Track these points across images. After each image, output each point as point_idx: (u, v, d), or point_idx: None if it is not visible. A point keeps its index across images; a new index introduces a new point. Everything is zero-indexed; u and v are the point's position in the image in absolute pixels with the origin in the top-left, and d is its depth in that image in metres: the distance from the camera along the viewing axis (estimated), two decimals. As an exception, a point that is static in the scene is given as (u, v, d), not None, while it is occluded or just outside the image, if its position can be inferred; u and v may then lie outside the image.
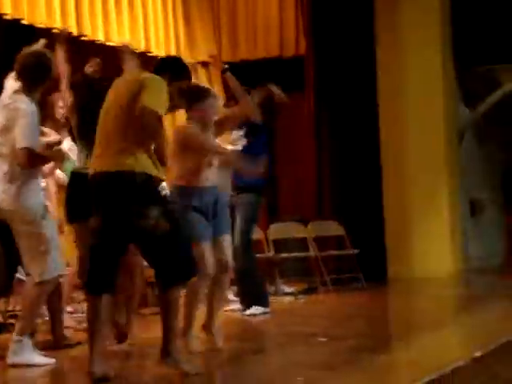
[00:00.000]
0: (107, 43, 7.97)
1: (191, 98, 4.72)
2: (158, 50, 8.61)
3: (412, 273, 9.37)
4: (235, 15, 9.92)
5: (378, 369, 4.00)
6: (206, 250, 4.69)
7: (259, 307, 6.45)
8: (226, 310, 6.51)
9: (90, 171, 4.03)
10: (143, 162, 3.88)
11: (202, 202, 4.73)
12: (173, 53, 8.58)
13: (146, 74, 4.09)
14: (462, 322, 5.83)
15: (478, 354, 3.96)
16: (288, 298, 7.91)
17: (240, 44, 9.74)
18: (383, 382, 3.65)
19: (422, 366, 3.92)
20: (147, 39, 8.55)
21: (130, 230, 3.89)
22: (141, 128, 3.87)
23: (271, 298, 6.96)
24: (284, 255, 8.62)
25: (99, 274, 3.94)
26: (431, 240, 9.53)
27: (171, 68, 4.20)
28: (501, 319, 5.77)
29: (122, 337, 4.96)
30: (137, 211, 3.83)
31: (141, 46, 8.32)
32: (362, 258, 8.74)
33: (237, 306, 6.77)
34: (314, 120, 9.83)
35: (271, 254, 8.51)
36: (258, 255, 7.33)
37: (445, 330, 5.38)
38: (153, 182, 3.91)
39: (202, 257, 4.61)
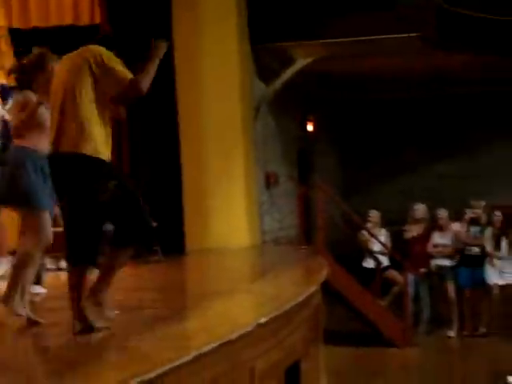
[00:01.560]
0: None
1: None
2: None
3: (210, 245, 9.51)
4: (25, -20, 9.50)
5: (172, 337, 4.04)
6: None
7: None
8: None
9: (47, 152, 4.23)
10: (96, 141, 4.08)
11: None
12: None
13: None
14: (254, 291, 6.01)
15: (263, 320, 4.10)
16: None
17: (31, 11, 9.36)
18: (176, 348, 3.69)
19: (214, 332, 4.00)
20: None
21: (94, 205, 4.08)
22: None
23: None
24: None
25: (77, 248, 4.12)
26: (228, 212, 9.72)
27: None
28: (290, 286, 6.01)
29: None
30: (98, 188, 4.06)
31: None
32: (161, 231, 8.74)
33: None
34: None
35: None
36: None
37: (237, 298, 5.52)
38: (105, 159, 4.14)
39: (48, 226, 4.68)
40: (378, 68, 12.74)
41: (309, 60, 10.72)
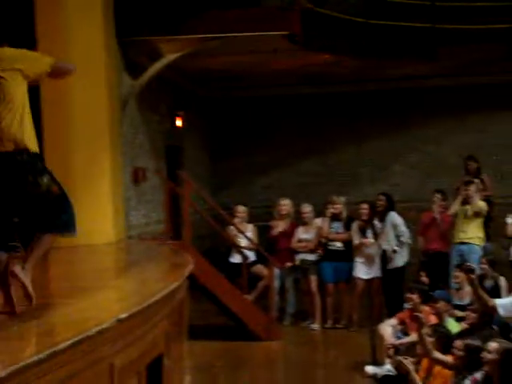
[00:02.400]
0: None
1: None
2: None
3: (76, 241, 9.34)
4: None
5: (29, 334, 3.99)
6: None
7: None
8: None
9: None
10: (28, 135, 4.26)
11: None
12: None
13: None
14: (117, 286, 5.99)
15: (122, 315, 4.10)
16: None
17: None
18: (33, 346, 3.65)
19: (73, 329, 3.96)
20: None
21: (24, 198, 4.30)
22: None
23: None
24: None
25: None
26: (94, 208, 9.57)
27: None
28: (153, 282, 6.02)
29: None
30: (31, 182, 4.26)
31: None
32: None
33: None
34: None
35: None
36: None
37: (99, 294, 5.48)
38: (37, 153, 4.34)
39: None
40: (248, 65, 12.90)
41: (176, 55, 10.72)
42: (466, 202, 10.89)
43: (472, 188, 10.84)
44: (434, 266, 11.18)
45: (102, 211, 9.62)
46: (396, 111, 15.03)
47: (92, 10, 9.49)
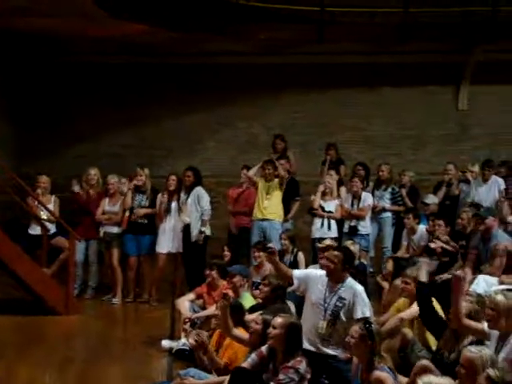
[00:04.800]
0: None
1: None
2: None
3: None
4: None
5: None
6: None
7: None
8: None
9: None
10: None
11: None
12: None
13: None
14: None
15: None
16: None
17: None
18: None
19: None
20: None
21: None
22: None
23: None
24: None
25: None
26: None
27: None
28: None
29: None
30: None
31: None
32: None
33: None
34: None
35: None
36: None
37: None
38: None
39: None
40: (55, 29, 12.38)
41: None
42: (267, 179, 11.06)
43: (271, 166, 11.03)
44: (239, 241, 11.33)
45: None
46: (212, 86, 14.98)
47: None
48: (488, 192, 11.63)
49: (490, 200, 11.36)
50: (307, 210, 11.67)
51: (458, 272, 6.32)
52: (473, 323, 6.05)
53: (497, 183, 11.72)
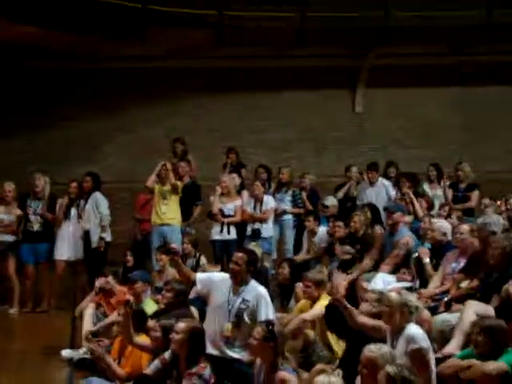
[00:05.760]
0: None
1: None
2: None
3: None
4: None
5: None
6: None
7: None
8: None
9: None
10: None
11: None
12: None
13: None
14: None
15: None
16: None
17: None
18: None
19: None
20: None
21: None
22: None
23: None
24: None
25: None
26: None
27: None
28: None
29: None
30: None
31: None
32: None
33: None
34: None
35: None
36: None
37: None
38: None
39: None
40: None
41: None
42: (163, 182, 10.98)
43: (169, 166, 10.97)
44: (143, 246, 11.21)
45: None
46: (109, 92, 14.77)
47: None
48: (377, 195, 11.80)
49: (381, 203, 11.54)
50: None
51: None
52: (368, 321, 6.18)
53: (384, 187, 11.93)
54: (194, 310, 7.68)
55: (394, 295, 6.10)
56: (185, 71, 14.60)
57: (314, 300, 7.58)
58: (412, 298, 6.16)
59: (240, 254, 6.96)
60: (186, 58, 14.27)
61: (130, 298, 8.04)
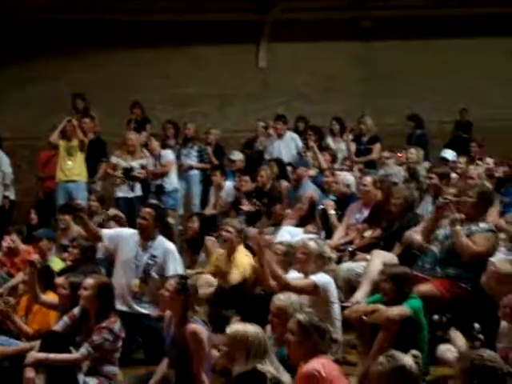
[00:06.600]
0: None
1: None
2: None
3: None
4: None
5: None
6: None
7: None
8: None
9: None
10: None
11: None
12: None
13: None
14: None
15: None
16: None
17: None
18: None
19: None
20: None
21: None
22: None
23: None
24: None
25: None
26: None
27: None
28: None
29: None
30: None
31: None
32: None
33: None
34: None
35: None
36: None
37: None
38: None
39: None
40: None
41: None
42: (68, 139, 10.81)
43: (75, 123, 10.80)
44: (47, 204, 11.02)
45: None
46: (18, 42, 14.23)
47: None
48: (285, 148, 11.90)
49: (288, 156, 11.66)
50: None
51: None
52: (300, 281, 6.20)
53: (293, 140, 12.04)
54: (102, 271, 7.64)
55: (312, 243, 6.20)
56: (86, 24, 14.22)
57: (232, 248, 7.57)
58: (327, 249, 6.30)
59: (148, 209, 6.96)
60: (88, 12, 13.94)
61: (35, 256, 7.95)
